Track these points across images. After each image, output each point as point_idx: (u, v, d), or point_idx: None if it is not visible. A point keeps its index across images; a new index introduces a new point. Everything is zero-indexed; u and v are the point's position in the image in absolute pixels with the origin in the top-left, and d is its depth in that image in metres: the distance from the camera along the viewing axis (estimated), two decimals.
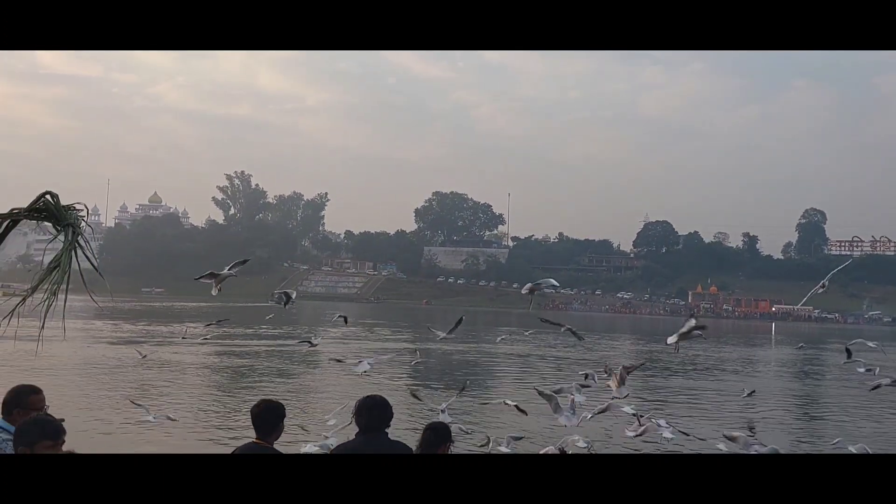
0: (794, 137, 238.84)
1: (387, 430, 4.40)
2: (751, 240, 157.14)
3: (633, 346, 45.30)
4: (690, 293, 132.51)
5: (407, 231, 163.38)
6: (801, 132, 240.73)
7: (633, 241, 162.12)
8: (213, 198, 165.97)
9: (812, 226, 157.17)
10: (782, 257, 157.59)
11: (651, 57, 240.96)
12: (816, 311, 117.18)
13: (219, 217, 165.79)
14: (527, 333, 26.81)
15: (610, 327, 70.03)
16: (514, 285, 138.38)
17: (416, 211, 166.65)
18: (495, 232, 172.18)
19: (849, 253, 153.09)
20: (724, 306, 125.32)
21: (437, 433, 4.62)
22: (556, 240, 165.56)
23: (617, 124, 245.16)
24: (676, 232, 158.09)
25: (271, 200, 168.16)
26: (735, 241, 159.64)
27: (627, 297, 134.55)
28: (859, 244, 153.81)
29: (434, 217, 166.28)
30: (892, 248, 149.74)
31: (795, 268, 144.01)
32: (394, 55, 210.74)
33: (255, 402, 4.65)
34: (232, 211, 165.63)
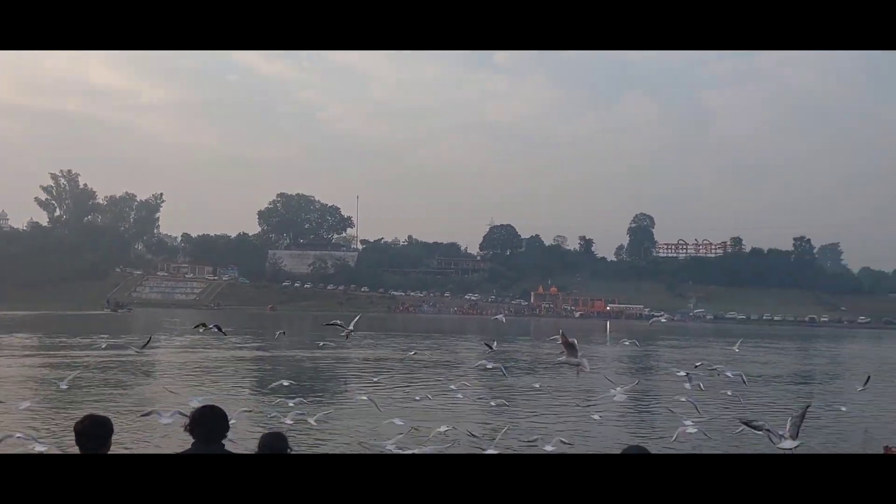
0: (628, 146, 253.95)
1: (223, 442, 4.34)
2: (587, 243, 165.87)
3: (481, 345, 46.13)
4: (533, 294, 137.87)
5: (250, 234, 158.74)
6: (633, 141, 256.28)
7: (480, 244, 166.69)
8: (35, 198, 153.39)
9: (642, 230, 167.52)
10: (615, 259, 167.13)
11: (495, 65, 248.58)
12: (646, 309, 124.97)
13: (42, 219, 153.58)
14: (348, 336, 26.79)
15: (458, 328, 71.22)
16: (364, 288, 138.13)
17: (260, 213, 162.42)
18: (344, 235, 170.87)
19: (675, 255, 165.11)
20: (564, 306, 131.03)
21: (272, 450, 4.56)
22: (406, 243, 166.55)
23: (466, 130, 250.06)
24: (519, 235, 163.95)
25: (101, 201, 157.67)
26: (573, 244, 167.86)
27: (474, 298, 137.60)
28: (684, 247, 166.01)
29: (279, 219, 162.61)
30: (713, 251, 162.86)
31: (627, 269, 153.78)
32: (236, 53, 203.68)
33: (79, 418, 4.22)
34: (57, 212, 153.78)
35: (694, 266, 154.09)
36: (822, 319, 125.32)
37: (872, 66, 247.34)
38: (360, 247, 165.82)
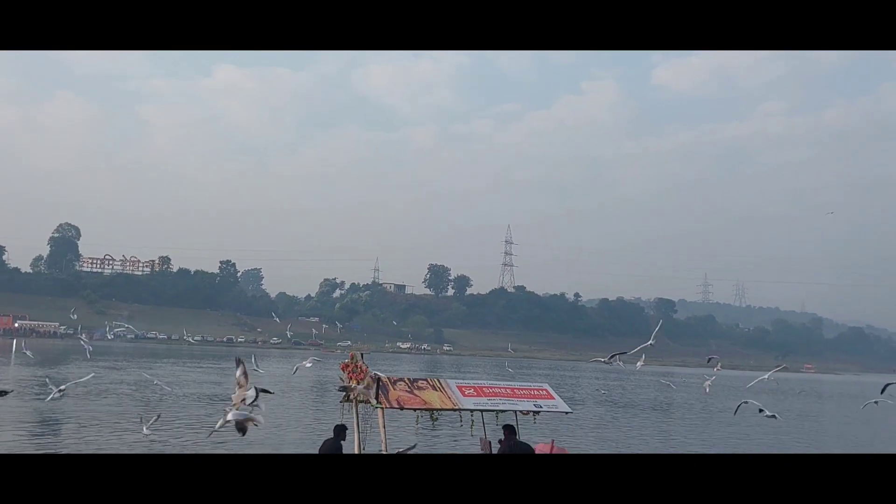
0: (54, 148, 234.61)
1: None
2: None
3: None
4: None
5: None
6: (63, 144, 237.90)
7: None
8: None
9: (65, 241, 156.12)
10: (31, 271, 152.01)
11: None
12: (63, 327, 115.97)
13: None
14: None
15: None
16: None
17: None
18: None
19: (100, 270, 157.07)
20: None
21: None
22: None
23: None
24: None
25: None
26: None
27: None
28: (111, 262, 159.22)
29: None
30: (141, 268, 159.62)
31: (45, 282, 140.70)
32: None
33: None
34: None
35: (120, 283, 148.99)
36: (240, 340, 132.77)
37: (305, 106, 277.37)
38: None
